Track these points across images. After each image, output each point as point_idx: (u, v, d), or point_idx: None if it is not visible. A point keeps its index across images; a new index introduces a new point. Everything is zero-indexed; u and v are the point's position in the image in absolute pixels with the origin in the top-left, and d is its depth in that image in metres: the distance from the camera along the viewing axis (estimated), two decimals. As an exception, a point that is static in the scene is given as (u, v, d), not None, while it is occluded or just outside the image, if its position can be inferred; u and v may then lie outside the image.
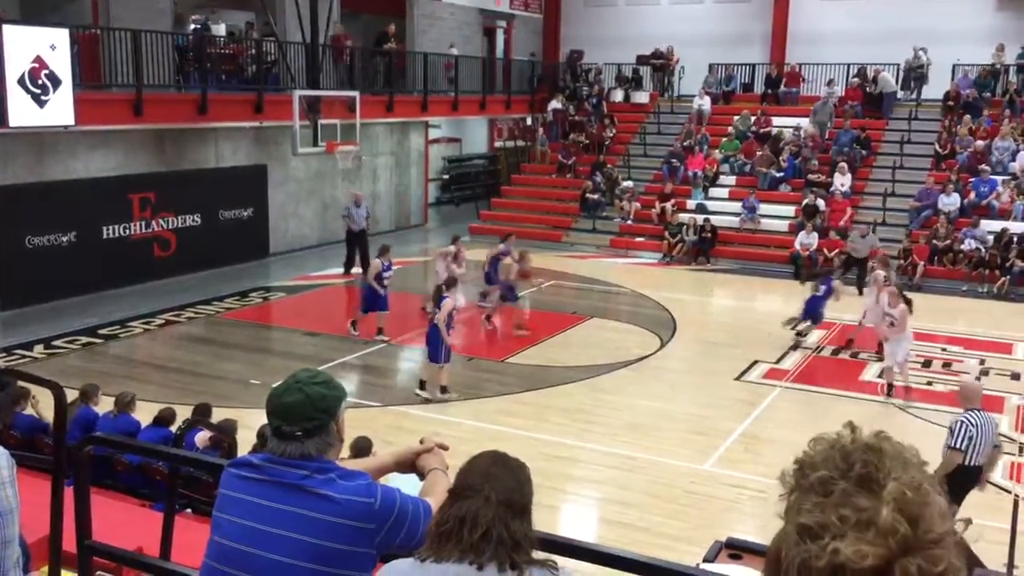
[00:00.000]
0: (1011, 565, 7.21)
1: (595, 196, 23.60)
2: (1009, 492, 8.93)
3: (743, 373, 12.67)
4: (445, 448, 2.83)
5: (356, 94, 19.09)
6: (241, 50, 19.83)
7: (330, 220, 22.04)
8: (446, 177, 28.84)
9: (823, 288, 13.93)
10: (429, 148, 26.02)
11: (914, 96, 24.18)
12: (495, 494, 2.16)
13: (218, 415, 8.19)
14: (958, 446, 7.31)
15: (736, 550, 4.71)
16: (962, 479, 7.38)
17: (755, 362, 13.12)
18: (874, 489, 1.14)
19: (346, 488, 2.33)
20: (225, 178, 19.07)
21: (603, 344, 14.06)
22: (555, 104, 26.86)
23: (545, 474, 9.09)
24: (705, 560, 4.68)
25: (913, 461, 1.20)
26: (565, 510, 8.95)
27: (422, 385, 11.70)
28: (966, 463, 7.37)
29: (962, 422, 7.39)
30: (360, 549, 2.32)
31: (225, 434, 6.86)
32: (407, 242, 22.12)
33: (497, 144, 29.78)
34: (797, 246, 19.96)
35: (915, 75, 24.12)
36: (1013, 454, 10.00)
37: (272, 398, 2.42)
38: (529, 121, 28.65)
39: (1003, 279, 18.03)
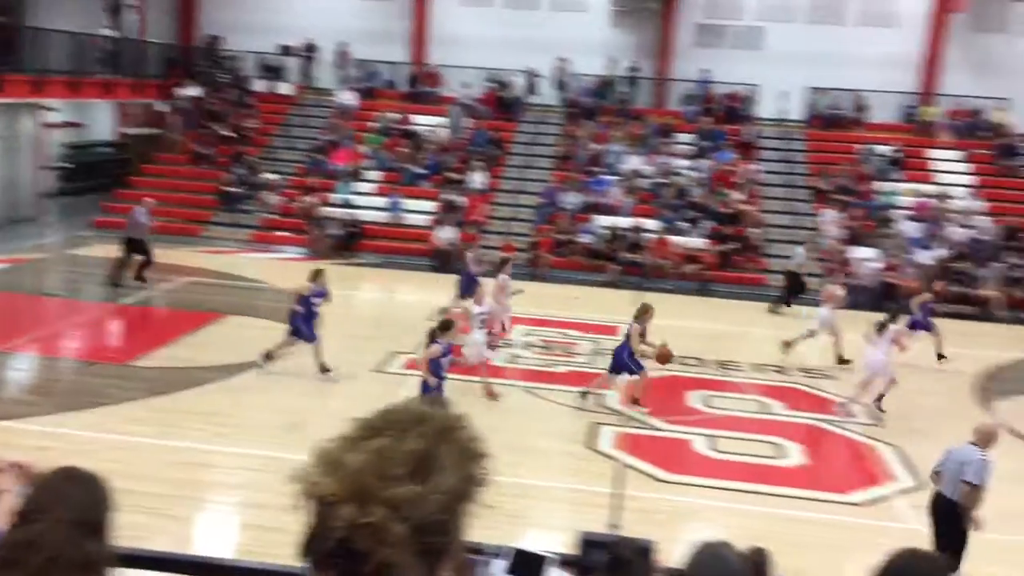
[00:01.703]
0: (615, 525, 8.05)
1: (235, 188, 22.77)
2: (616, 459, 9.96)
3: (382, 365, 12.91)
4: (23, 467, 2.56)
5: (-52, 68, 16.73)
6: None
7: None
8: (67, 166, 26.20)
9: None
10: (45, 133, 23.48)
11: (553, 102, 26.14)
12: (67, 513, 1.98)
13: None
14: (934, 467, 7.65)
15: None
16: (936, 504, 7.50)
17: (395, 353, 13.43)
18: (367, 442, 1.24)
19: None
20: None
21: (242, 342, 13.60)
22: (191, 91, 25.50)
23: (177, 483, 8.62)
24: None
25: (438, 427, 1.28)
26: (199, 520, 8.54)
27: None
28: (940, 488, 7.50)
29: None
30: None
31: None
32: (18, 237, 19.84)
33: (127, 131, 27.62)
34: (438, 240, 20.75)
35: (557, 83, 26.14)
36: (619, 425, 11.20)
37: None
38: (163, 108, 26.93)
39: (613, 268, 20.12)
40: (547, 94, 26.36)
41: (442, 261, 20.35)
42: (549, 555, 6.19)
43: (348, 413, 1.44)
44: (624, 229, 21.09)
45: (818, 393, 13.08)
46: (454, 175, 23.20)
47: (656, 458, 10.07)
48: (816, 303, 15.48)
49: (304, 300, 12.09)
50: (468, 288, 14.83)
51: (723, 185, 22.68)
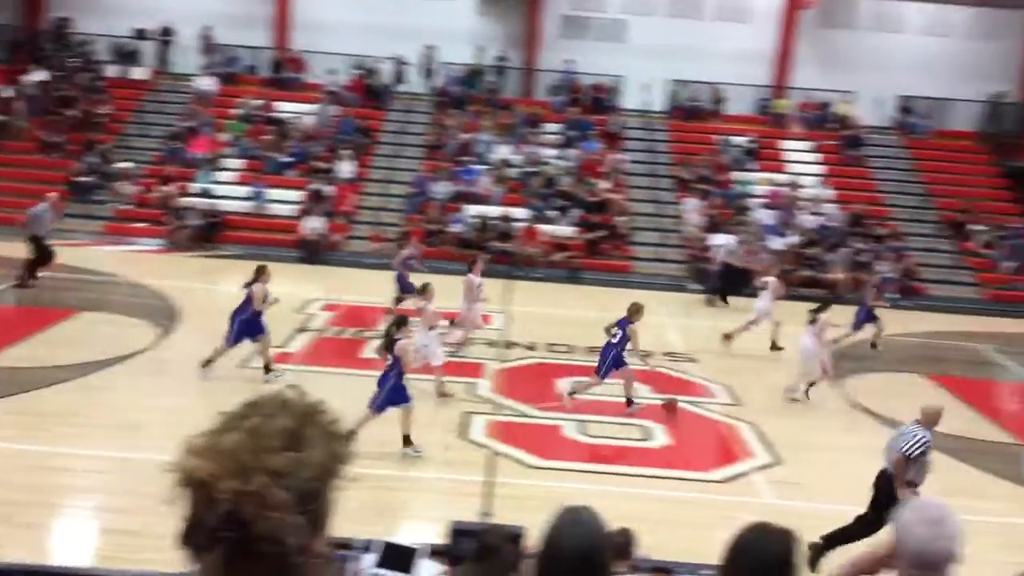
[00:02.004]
0: (487, 514, 8.13)
1: (87, 178, 21.66)
2: (487, 448, 10.05)
3: (248, 360, 12.57)
4: None
5: None
6: None
7: None
8: None
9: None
10: None
11: (421, 90, 25.96)
12: None
13: None
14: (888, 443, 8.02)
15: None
16: (879, 479, 7.90)
17: (262, 347, 13.10)
18: (240, 422, 1.32)
19: None
20: None
21: (97, 339, 13.01)
22: (38, 75, 24.07)
23: (29, 490, 8.17)
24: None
25: (302, 411, 1.36)
26: (55, 526, 8.11)
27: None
28: (885, 465, 7.89)
29: None
30: None
31: None
32: None
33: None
34: (305, 230, 20.35)
35: (425, 72, 25.98)
36: (491, 413, 11.29)
37: None
38: (7, 93, 25.30)
39: (484, 257, 20.19)
40: (415, 82, 26.20)
41: (309, 252, 19.98)
42: (419, 546, 6.18)
43: (210, 409, 1.44)
44: (494, 218, 21.22)
45: (682, 376, 13.55)
46: (321, 164, 22.78)
47: (528, 445, 10.21)
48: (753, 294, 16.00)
49: (258, 303, 11.68)
50: (407, 288, 14.79)
51: (590, 174, 23.12)
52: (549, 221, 21.63)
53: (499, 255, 20.29)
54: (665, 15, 26.80)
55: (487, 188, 22.45)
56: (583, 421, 11.19)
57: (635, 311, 11.67)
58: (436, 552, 6.39)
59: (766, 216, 22.32)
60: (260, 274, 11.97)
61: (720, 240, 20.85)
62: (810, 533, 7.78)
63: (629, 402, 11.58)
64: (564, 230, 21.46)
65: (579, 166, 23.40)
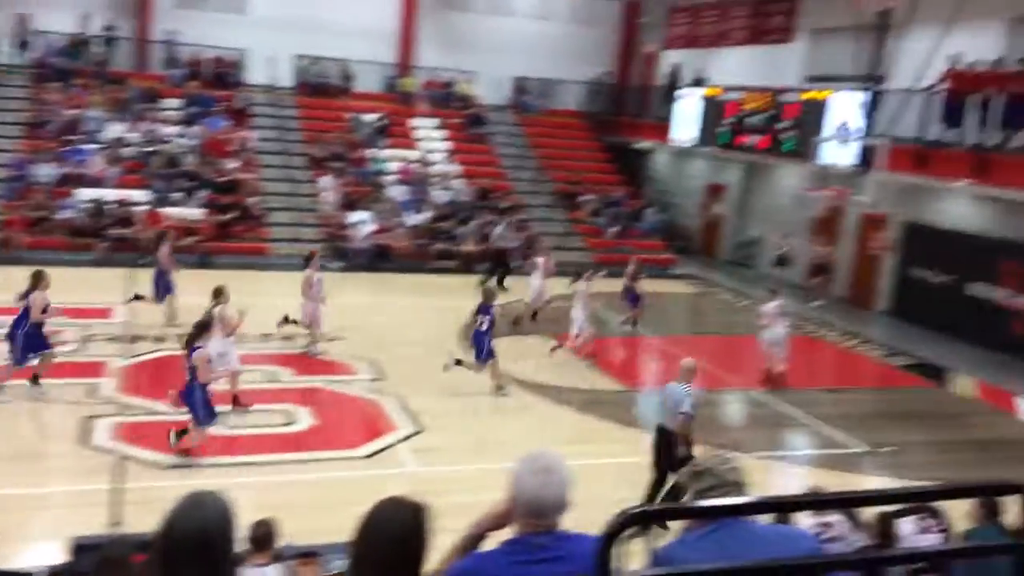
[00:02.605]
0: (117, 523, 7.47)
1: None
2: (113, 452, 9.24)
3: None
4: None
5: None
6: None
7: None
8: None
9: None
10: None
11: (14, 61, 22.95)
12: None
13: None
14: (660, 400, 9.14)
15: None
16: (659, 436, 8.86)
17: None
18: None
19: None
20: None
21: None
22: None
23: None
24: None
25: None
26: None
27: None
28: (661, 423, 8.88)
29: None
30: None
31: None
32: None
33: None
34: None
35: (18, 42, 23.00)
36: (116, 414, 10.40)
37: None
38: None
39: (101, 245, 18.54)
40: (6, 53, 23.19)
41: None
42: (34, 570, 5.56)
43: None
44: (110, 202, 19.50)
45: (324, 357, 13.45)
46: None
47: (161, 444, 9.53)
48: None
49: (45, 311, 10.70)
50: (167, 289, 14.07)
51: (217, 153, 22.05)
52: (174, 204, 20.32)
53: (118, 242, 18.74)
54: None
55: (100, 169, 20.55)
56: (223, 412, 10.70)
57: (490, 295, 12.59)
58: (56, 573, 5.77)
59: (400, 192, 22.80)
60: (38, 281, 10.82)
61: (357, 217, 20.99)
62: (453, 495, 8.11)
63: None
64: (191, 213, 20.28)
65: (204, 144, 22.21)
